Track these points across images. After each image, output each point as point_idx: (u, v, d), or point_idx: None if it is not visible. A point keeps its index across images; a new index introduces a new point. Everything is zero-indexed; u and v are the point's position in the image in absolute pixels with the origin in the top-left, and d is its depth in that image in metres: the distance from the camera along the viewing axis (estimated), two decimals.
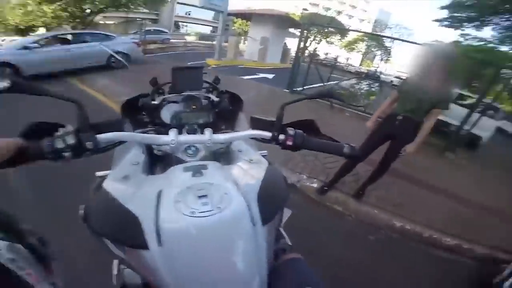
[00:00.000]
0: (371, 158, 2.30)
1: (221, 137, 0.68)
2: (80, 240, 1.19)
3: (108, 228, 0.50)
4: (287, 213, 2.50)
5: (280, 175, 0.68)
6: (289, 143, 0.65)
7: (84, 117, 0.53)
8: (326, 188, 2.56)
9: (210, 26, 32.45)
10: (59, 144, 0.51)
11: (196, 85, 1.05)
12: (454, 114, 4.90)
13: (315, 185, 2.65)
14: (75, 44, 6.16)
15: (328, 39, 23.12)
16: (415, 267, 2.08)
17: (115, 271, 0.73)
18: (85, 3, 11.29)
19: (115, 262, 0.74)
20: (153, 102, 0.96)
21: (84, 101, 0.55)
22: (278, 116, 0.67)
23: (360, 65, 30.46)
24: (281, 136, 0.66)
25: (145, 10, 20.34)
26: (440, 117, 5.08)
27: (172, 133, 0.65)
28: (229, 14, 11.93)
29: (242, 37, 17.55)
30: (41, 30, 11.64)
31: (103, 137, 0.56)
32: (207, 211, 0.45)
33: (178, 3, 19.24)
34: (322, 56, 23.25)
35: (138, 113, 1.00)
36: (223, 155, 0.81)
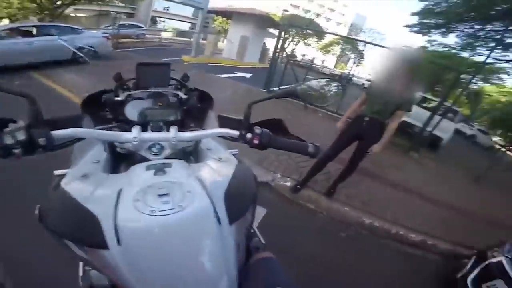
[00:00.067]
0: (341, 157, 2.40)
1: (187, 135, 0.67)
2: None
3: (66, 228, 0.48)
4: (261, 212, 2.50)
5: (250, 173, 0.68)
6: (256, 141, 0.66)
7: (37, 112, 0.51)
8: (299, 186, 2.62)
9: (189, 22, 31.71)
10: (8, 140, 0.48)
11: (162, 82, 1.02)
12: (418, 116, 5.28)
13: (288, 183, 2.70)
14: (38, 37, 5.74)
15: (305, 41, 23.63)
16: (384, 263, 2.19)
17: (80, 273, 0.72)
18: None
19: (81, 263, 0.72)
20: (116, 98, 0.92)
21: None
22: (245, 115, 0.68)
23: (335, 67, 31.54)
24: (248, 135, 0.67)
25: (121, 4, 19.41)
26: (405, 119, 5.51)
27: (135, 130, 0.63)
28: (210, 12, 11.73)
29: (222, 35, 17.38)
30: (5, 22, 10.72)
31: (58, 133, 0.53)
32: (168, 209, 0.44)
33: None
34: (299, 58, 23.73)
35: (101, 109, 0.96)
36: (193, 154, 0.80)
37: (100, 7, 15.63)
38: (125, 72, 1.00)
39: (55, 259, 1.12)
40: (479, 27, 9.96)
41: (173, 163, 0.58)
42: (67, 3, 11.33)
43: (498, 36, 8.96)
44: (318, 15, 28.10)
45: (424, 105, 6.45)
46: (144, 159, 0.67)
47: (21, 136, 0.49)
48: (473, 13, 9.32)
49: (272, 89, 6.67)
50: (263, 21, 13.71)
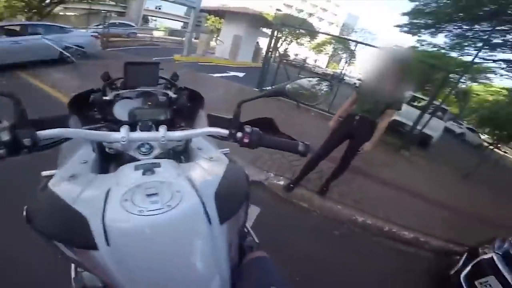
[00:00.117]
0: (334, 155, 2.42)
1: (176, 134, 0.67)
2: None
3: (54, 229, 0.47)
4: (255, 211, 2.49)
5: (242, 172, 0.67)
6: (246, 140, 0.66)
7: (21, 112, 0.50)
8: (292, 185, 2.63)
9: (182, 21, 31.45)
10: None
11: (151, 81, 1.00)
12: (408, 115, 5.39)
13: (282, 182, 2.71)
14: (24, 36, 5.61)
15: (298, 40, 23.75)
16: (378, 261, 2.21)
17: (73, 274, 0.71)
18: None
19: (73, 265, 0.72)
20: (104, 98, 0.91)
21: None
22: (235, 113, 0.68)
23: (327, 67, 31.80)
24: (239, 134, 0.67)
25: (111, 2, 19.06)
26: (396, 118, 5.61)
27: (123, 130, 0.63)
28: (202, 11, 11.67)
29: (215, 35, 17.30)
30: None
31: (44, 133, 0.52)
32: (156, 209, 0.44)
33: None
34: (292, 57, 23.84)
35: (89, 109, 0.94)
36: (183, 154, 0.80)
37: (90, 5, 15.34)
38: (115, 72, 0.99)
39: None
40: (467, 27, 10.23)
41: (162, 163, 0.58)
42: (56, 1, 11.08)
43: (486, 36, 9.21)
44: (311, 14, 28.25)
45: (414, 104, 6.58)
46: (134, 159, 0.67)
47: (5, 136, 0.48)
48: (461, 14, 9.57)
49: (265, 88, 6.68)
50: (256, 21, 13.71)
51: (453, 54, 11.73)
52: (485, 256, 1.92)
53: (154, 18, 31.16)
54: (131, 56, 8.60)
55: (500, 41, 9.61)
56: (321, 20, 46.93)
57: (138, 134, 0.66)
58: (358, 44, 7.09)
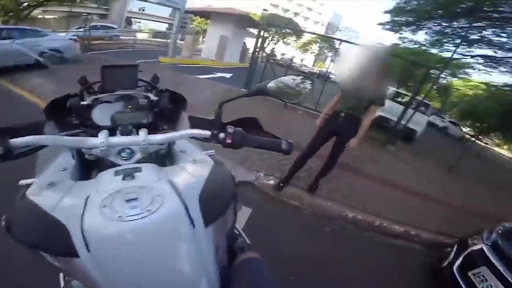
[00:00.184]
0: (322, 153, 2.45)
1: (157, 137, 0.65)
2: None
3: (34, 238, 0.46)
4: (247, 212, 2.48)
5: (227, 174, 0.67)
6: (229, 141, 0.65)
7: None
8: (282, 184, 2.64)
9: (166, 23, 31.03)
10: None
11: (130, 84, 0.98)
12: (392, 111, 5.53)
13: (271, 182, 2.72)
14: None
15: (285, 40, 23.90)
16: (370, 256, 2.24)
17: (62, 283, 0.71)
18: None
19: (61, 274, 0.71)
20: (82, 103, 0.88)
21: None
22: (216, 114, 0.67)
23: (313, 65, 32.15)
24: (221, 135, 0.66)
25: (92, 5, 18.56)
26: (381, 114, 5.74)
27: (102, 135, 0.61)
28: (188, 12, 11.58)
29: (201, 36, 17.19)
30: None
31: (18, 141, 0.51)
32: (136, 214, 0.44)
33: None
34: (279, 57, 23.97)
35: (67, 115, 0.91)
36: (167, 157, 0.78)
37: (71, 8, 14.86)
38: (95, 76, 0.96)
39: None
40: (446, 24, 10.57)
41: (143, 167, 0.57)
42: (34, 4, 10.66)
43: (463, 33, 9.57)
44: (296, 14, 28.52)
45: (398, 99, 6.77)
46: (114, 165, 0.65)
47: None
48: (440, 11, 9.89)
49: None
50: (242, 21, 13.72)
51: (434, 51, 12.12)
52: (475, 247, 1.93)
53: (137, 20, 30.61)
54: (113, 59, 8.39)
55: (477, 37, 10.01)
56: (307, 19, 47.39)
57: (118, 139, 0.64)
58: (343, 43, 7.22)
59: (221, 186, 0.61)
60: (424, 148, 6.76)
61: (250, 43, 15.29)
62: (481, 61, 11.56)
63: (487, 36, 9.80)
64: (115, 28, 16.47)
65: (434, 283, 2.13)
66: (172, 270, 0.46)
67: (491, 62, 11.18)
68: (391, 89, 6.61)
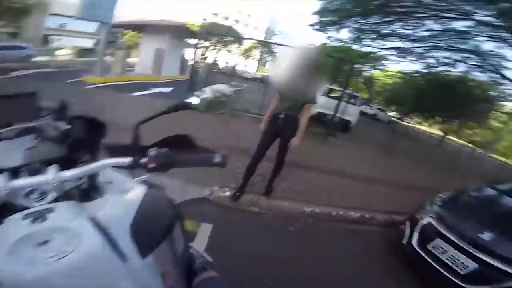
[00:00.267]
0: (270, 155, 2.51)
1: (68, 174, 0.58)
2: None
3: None
4: (208, 228, 2.38)
5: (163, 198, 0.65)
6: (152, 164, 0.59)
7: None
8: (238, 193, 2.63)
9: (93, 39, 28.16)
10: None
11: (26, 116, 0.85)
12: (328, 106, 6.10)
13: (227, 193, 2.69)
14: None
15: (227, 48, 24.11)
16: (337, 246, 2.36)
17: None
18: None
19: None
20: None
21: None
22: (133, 138, 0.63)
23: (256, 71, 33.19)
24: (143, 159, 0.60)
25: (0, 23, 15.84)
26: (319, 110, 6.26)
27: (1, 179, 0.53)
28: (117, 26, 10.71)
29: (134, 50, 16.19)
30: None
31: None
32: (49, 257, 0.41)
33: (50, 14, 15.87)
34: (222, 65, 24.07)
35: None
36: (92, 191, 0.70)
37: None
38: None
39: None
40: (363, 21, 11.95)
41: (56, 207, 0.53)
42: None
43: (377, 28, 11.01)
44: (237, 21, 28.99)
45: (332, 95, 7.47)
46: (25, 208, 0.57)
47: None
48: (358, 9, 11.13)
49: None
50: (179, 32, 13.34)
51: (355, 47, 13.57)
52: (424, 222, 2.05)
53: (58, 37, 27.10)
54: (26, 83, 7.19)
55: (389, 32, 11.61)
56: (247, 25, 48.53)
57: (22, 181, 0.56)
58: (279, 46, 7.63)
59: (157, 212, 0.60)
60: (360, 135, 7.60)
61: (191, 54, 15.02)
62: (394, 52, 13.40)
63: (395, 30, 11.42)
64: (26, 48, 14.31)
65: (403, 259, 2.24)
66: None
67: (401, 52, 13.02)
68: (325, 86, 7.24)
